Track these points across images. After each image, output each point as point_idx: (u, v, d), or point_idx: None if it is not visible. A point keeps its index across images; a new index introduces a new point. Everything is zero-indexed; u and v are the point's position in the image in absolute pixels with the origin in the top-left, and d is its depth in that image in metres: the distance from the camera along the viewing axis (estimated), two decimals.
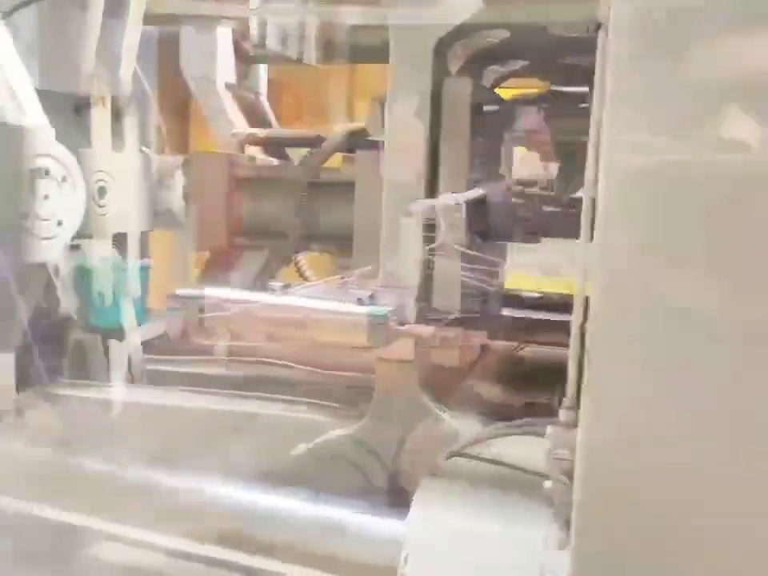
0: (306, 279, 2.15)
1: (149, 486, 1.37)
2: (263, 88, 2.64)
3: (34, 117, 1.53)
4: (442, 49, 1.38)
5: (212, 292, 1.47)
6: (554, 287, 1.93)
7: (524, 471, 1.13)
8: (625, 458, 0.86)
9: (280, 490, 1.34)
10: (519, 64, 1.80)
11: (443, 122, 1.44)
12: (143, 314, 1.88)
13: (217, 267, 2.38)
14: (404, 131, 1.40)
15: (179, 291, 1.51)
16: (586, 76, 1.86)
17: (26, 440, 1.54)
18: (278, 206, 1.84)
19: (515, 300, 1.94)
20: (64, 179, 1.58)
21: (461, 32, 1.36)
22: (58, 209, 1.57)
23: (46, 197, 1.54)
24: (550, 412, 1.50)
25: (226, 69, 2.41)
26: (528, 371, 1.72)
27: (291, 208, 1.78)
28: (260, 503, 1.32)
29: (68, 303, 1.66)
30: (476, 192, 1.51)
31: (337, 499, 1.31)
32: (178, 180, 2.11)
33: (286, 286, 1.46)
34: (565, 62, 1.70)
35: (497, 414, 1.44)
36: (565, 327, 1.77)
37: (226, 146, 2.36)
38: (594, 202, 0.87)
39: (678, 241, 0.82)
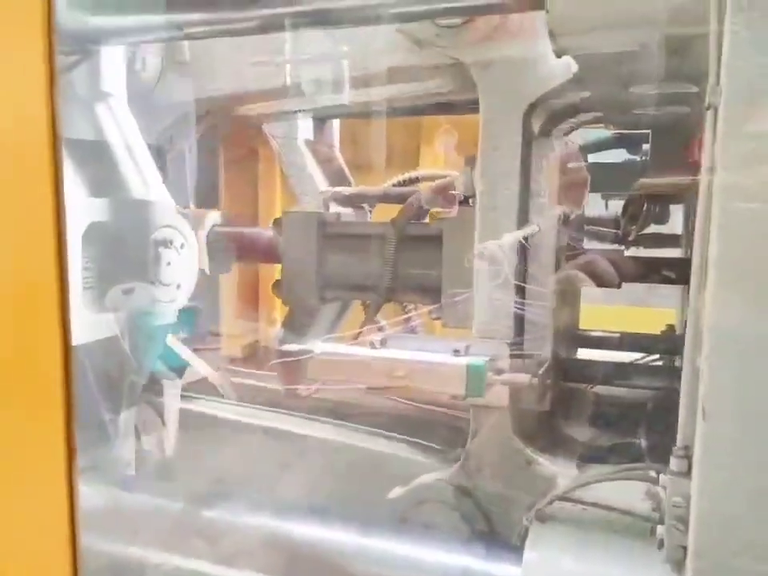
0: (373, 322, 2.25)
1: None
2: (336, 141, 2.80)
3: (157, 190, 1.70)
4: (530, 111, 1.47)
5: (315, 347, 1.55)
6: (628, 326, 1.96)
7: (632, 516, 1.18)
8: (742, 506, 0.90)
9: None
10: (591, 116, 1.88)
11: (532, 180, 1.52)
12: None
13: (296, 317, 2.50)
14: (496, 191, 1.49)
15: (285, 347, 1.61)
16: (650, 122, 1.93)
17: None
18: (367, 261, 1.91)
19: (591, 340, 1.98)
20: (182, 246, 1.74)
21: (550, 95, 1.45)
22: (177, 274, 1.72)
23: (168, 264, 1.70)
24: (637, 453, 1.55)
25: (304, 126, 2.57)
26: (610, 412, 1.75)
27: (380, 262, 1.86)
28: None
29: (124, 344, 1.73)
30: (533, 228, 1.57)
31: (438, 543, 1.37)
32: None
33: (384, 341, 1.54)
34: (634, 112, 1.78)
35: (587, 456, 1.49)
36: (643, 369, 1.81)
37: (305, 201, 2.51)
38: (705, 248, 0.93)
39: None
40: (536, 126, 1.57)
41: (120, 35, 1.73)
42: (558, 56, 1.27)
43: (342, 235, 2.00)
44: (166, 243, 1.70)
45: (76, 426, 0.85)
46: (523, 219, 1.52)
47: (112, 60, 1.80)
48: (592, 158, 2.04)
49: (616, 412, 1.69)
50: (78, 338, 1.48)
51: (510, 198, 1.47)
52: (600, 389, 1.79)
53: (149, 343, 1.77)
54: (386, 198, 2.16)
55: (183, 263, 1.75)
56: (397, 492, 1.53)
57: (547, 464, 1.41)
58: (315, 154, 2.66)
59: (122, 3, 1.59)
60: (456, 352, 1.39)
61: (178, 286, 1.75)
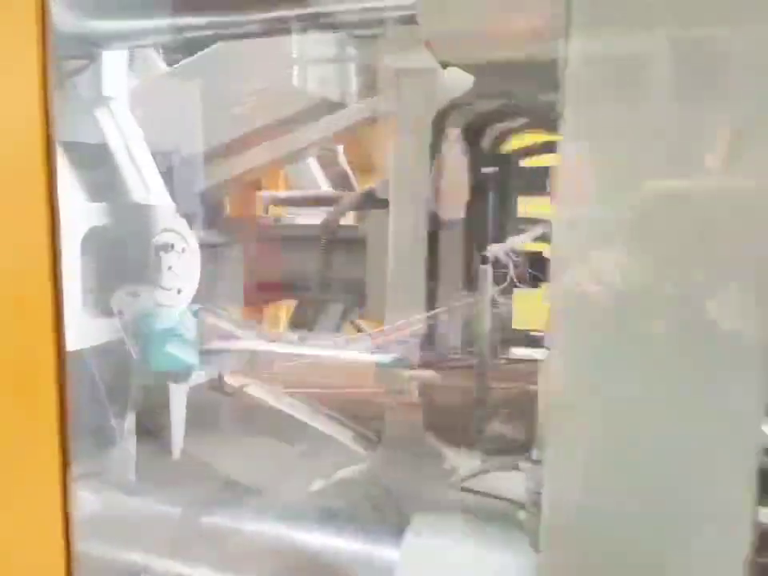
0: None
1: None
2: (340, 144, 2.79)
3: (157, 194, 1.70)
4: (440, 118, 1.54)
5: (236, 344, 1.59)
6: None
7: (503, 501, 1.30)
8: (583, 494, 1.00)
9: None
10: (521, 121, 1.90)
11: (443, 184, 1.56)
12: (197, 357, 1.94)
13: (300, 317, 2.52)
14: (406, 196, 1.53)
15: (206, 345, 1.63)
16: None
17: None
18: (299, 262, 1.98)
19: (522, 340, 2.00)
20: (183, 251, 1.74)
21: (457, 103, 1.53)
22: (178, 279, 1.72)
23: (169, 268, 1.70)
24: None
25: None
26: (523, 408, 1.79)
27: (312, 263, 1.93)
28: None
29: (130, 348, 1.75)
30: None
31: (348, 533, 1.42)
32: None
33: (303, 338, 1.59)
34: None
35: (493, 449, 1.55)
36: None
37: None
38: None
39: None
40: (453, 133, 1.62)
41: (122, 39, 1.74)
42: (443, 67, 1.32)
43: (277, 238, 2.08)
44: (167, 247, 1.70)
45: (71, 433, 0.85)
46: (436, 224, 1.60)
47: (113, 64, 1.80)
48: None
49: (528, 407, 1.72)
50: (78, 342, 1.49)
51: (419, 203, 1.50)
52: (518, 385, 1.80)
53: (152, 347, 1.78)
54: (320, 200, 2.20)
55: (184, 267, 1.75)
56: (318, 484, 1.59)
57: (455, 457, 1.49)
58: (319, 157, 2.66)
59: (123, 6, 1.60)
60: (368, 349, 1.46)
61: (179, 291, 1.75)
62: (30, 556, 0.83)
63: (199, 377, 2.04)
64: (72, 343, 0.90)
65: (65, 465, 0.80)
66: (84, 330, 1.52)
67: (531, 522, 1.08)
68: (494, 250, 1.57)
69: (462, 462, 1.47)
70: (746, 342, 0.89)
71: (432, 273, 1.62)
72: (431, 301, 1.58)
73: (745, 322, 0.89)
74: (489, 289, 1.56)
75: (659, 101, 0.93)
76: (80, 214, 1.54)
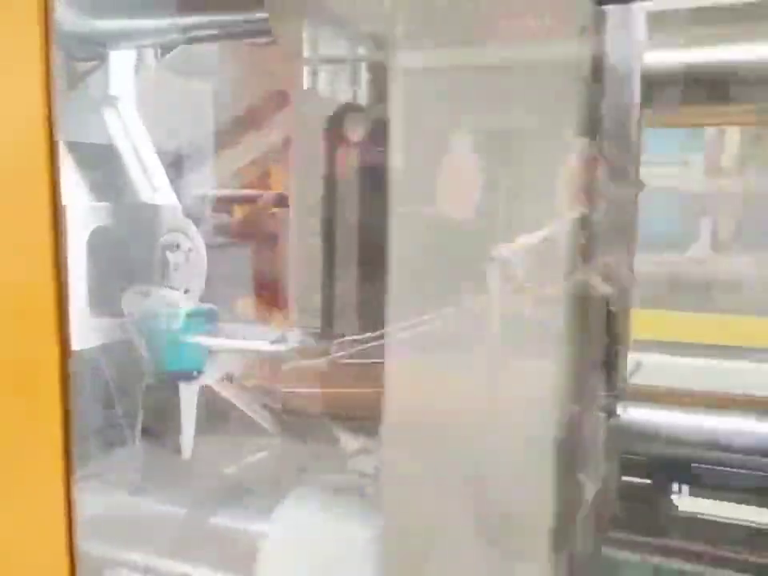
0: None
1: None
2: None
3: (164, 194, 1.70)
4: (334, 122, 1.55)
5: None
6: None
7: (362, 477, 1.41)
8: (412, 464, 1.16)
9: None
10: None
11: (339, 186, 1.56)
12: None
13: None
14: (306, 194, 1.56)
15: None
16: None
17: None
18: (225, 258, 1.97)
19: None
20: (190, 250, 1.74)
21: (348, 109, 1.57)
22: (185, 278, 1.72)
23: (176, 268, 1.71)
24: None
25: None
26: None
27: (236, 259, 1.95)
28: None
29: (140, 347, 1.76)
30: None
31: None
32: None
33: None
34: None
35: None
36: None
37: None
38: None
39: None
40: (356, 134, 1.65)
41: (126, 38, 1.74)
42: None
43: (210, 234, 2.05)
44: (173, 247, 1.70)
45: (76, 433, 0.85)
46: (331, 222, 1.61)
47: (120, 63, 1.81)
48: None
49: None
50: (82, 342, 1.49)
51: (315, 201, 1.55)
52: None
53: (160, 347, 1.78)
54: (244, 199, 2.22)
55: (191, 267, 1.75)
56: (231, 470, 1.69)
57: (352, 441, 1.52)
58: None
59: (126, 6, 1.60)
60: (273, 341, 1.53)
61: (186, 291, 1.75)
62: (33, 556, 0.83)
63: (209, 376, 2.05)
64: (77, 343, 0.90)
65: (68, 465, 0.80)
66: (89, 330, 1.52)
67: (376, 492, 1.23)
68: (500, 249, 1.56)
69: (350, 443, 1.52)
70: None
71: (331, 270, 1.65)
72: (331, 298, 1.60)
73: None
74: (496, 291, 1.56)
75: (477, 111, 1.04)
76: (85, 214, 1.55)
